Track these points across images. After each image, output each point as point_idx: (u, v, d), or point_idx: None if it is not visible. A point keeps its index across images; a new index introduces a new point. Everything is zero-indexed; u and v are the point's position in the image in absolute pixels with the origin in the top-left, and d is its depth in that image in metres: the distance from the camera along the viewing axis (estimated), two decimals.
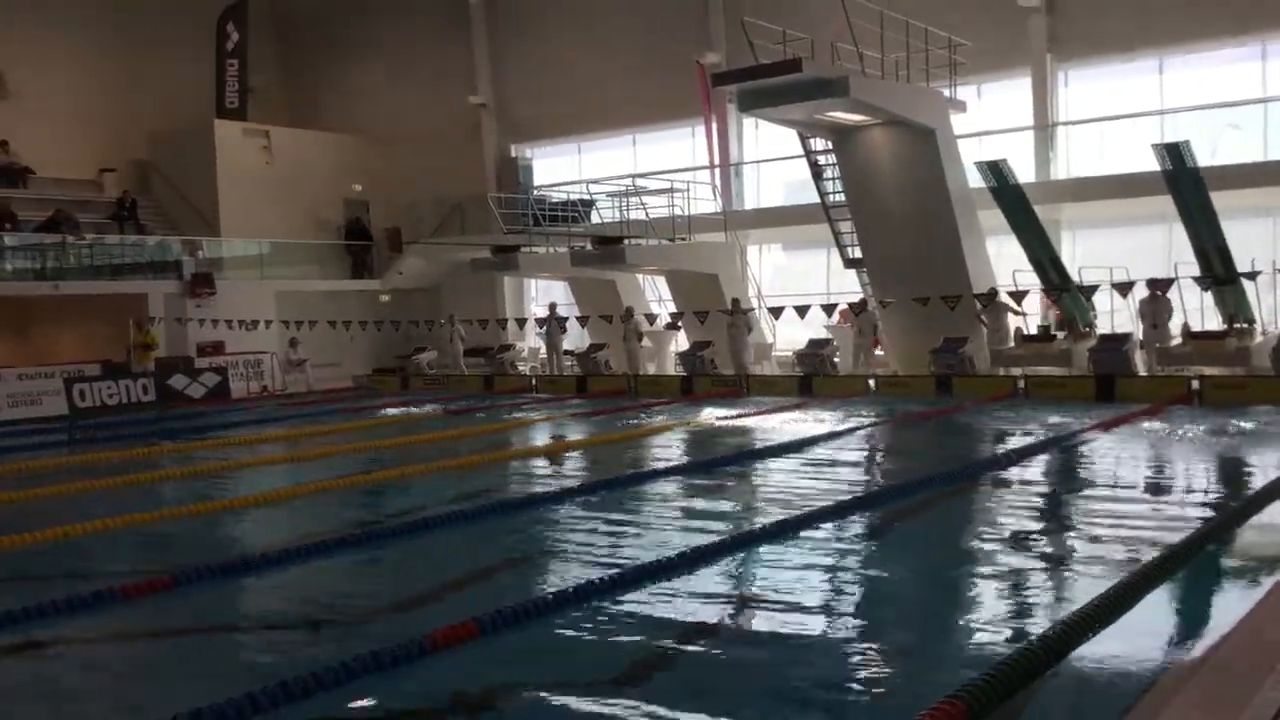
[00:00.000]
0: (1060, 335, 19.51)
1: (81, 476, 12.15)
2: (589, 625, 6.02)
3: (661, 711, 4.73)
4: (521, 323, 26.96)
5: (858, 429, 14.65)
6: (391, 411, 19.61)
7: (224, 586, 7.30)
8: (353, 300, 27.47)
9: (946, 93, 19.95)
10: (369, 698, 5.03)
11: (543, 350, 25.40)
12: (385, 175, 30.17)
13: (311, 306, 25.57)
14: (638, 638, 5.77)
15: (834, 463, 11.90)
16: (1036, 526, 8.43)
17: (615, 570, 6.91)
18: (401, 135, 29.94)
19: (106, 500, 10.52)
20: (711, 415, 16.94)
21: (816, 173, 21.93)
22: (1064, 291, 18.89)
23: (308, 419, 18.79)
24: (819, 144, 21.50)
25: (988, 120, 21.97)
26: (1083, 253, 21.20)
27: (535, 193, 27.63)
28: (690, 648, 5.61)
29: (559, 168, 29.39)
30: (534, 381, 23.86)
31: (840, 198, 21.33)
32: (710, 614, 6.20)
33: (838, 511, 8.75)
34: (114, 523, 9.17)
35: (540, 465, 12.89)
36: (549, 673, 5.32)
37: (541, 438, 15.73)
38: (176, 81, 29.15)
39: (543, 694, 5.03)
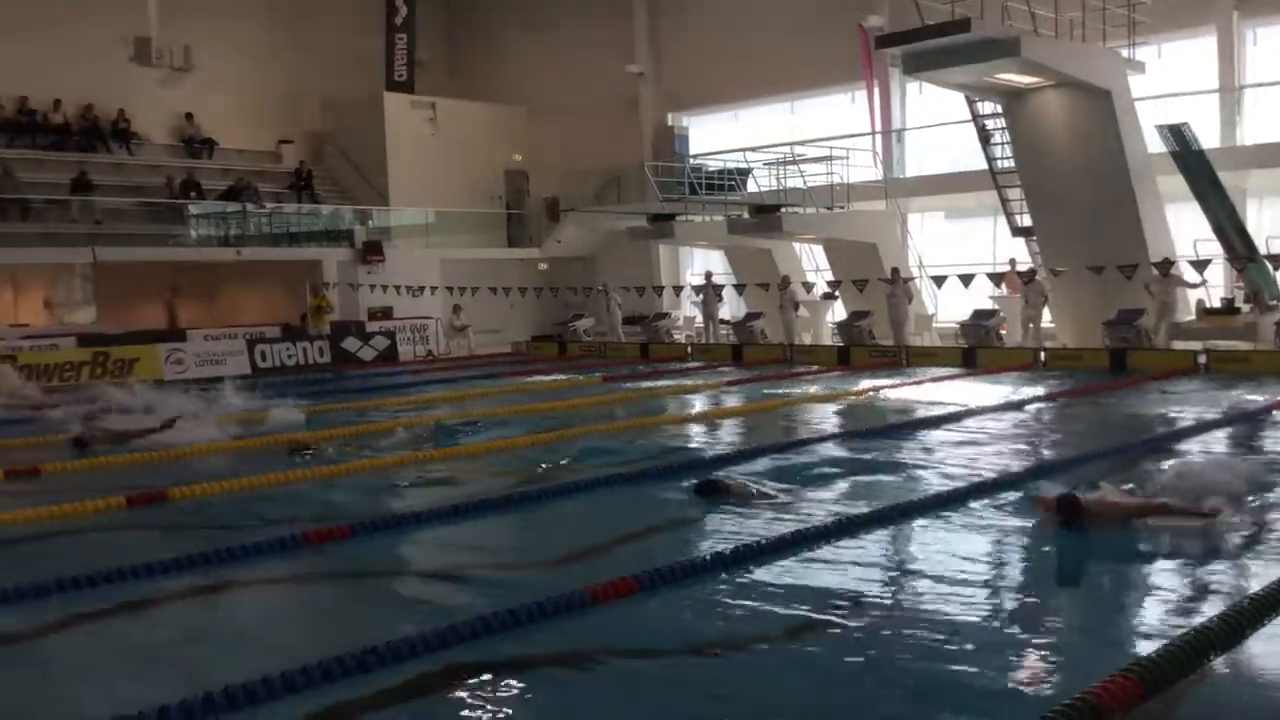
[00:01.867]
0: (1245, 308, 18.45)
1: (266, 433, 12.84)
2: (743, 590, 6.06)
3: (812, 680, 4.75)
4: (678, 291, 27.05)
5: (1024, 402, 14.21)
6: (549, 377, 19.99)
7: (395, 537, 7.63)
8: (513, 268, 28.08)
9: (1124, 53, 19.02)
10: (524, 647, 5.20)
11: (698, 319, 25.44)
12: (544, 145, 30.66)
13: (474, 274, 26.26)
14: (790, 604, 5.78)
15: (997, 436, 11.59)
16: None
17: (767, 537, 6.94)
18: (560, 106, 30.34)
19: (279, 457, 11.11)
20: (869, 385, 16.70)
21: (984, 137, 21.26)
22: (1250, 262, 17.85)
23: (470, 382, 19.34)
24: (987, 107, 20.83)
25: (1168, 82, 20.84)
26: (1270, 222, 19.98)
27: (692, 161, 27.63)
28: (840, 616, 5.57)
29: (716, 136, 29.29)
30: (689, 349, 23.95)
31: (1009, 163, 20.63)
32: (864, 583, 6.15)
33: (1001, 485, 8.54)
34: (297, 475, 9.71)
35: (695, 431, 12.96)
36: (701, 633, 5.39)
37: (697, 405, 15.80)
38: (350, 55, 30.22)
39: (691, 655, 5.09)
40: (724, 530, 7.45)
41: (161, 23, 24.65)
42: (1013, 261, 21.42)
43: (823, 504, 8.20)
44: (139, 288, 24.76)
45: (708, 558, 6.49)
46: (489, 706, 4.55)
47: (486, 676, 4.84)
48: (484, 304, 25.93)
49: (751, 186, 26.14)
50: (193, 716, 4.32)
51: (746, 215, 23.50)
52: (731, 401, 15.93)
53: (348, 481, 9.78)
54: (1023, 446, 10.96)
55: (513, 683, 4.84)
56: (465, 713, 4.49)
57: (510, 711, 4.53)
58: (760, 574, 6.32)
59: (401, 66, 30.63)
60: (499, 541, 7.75)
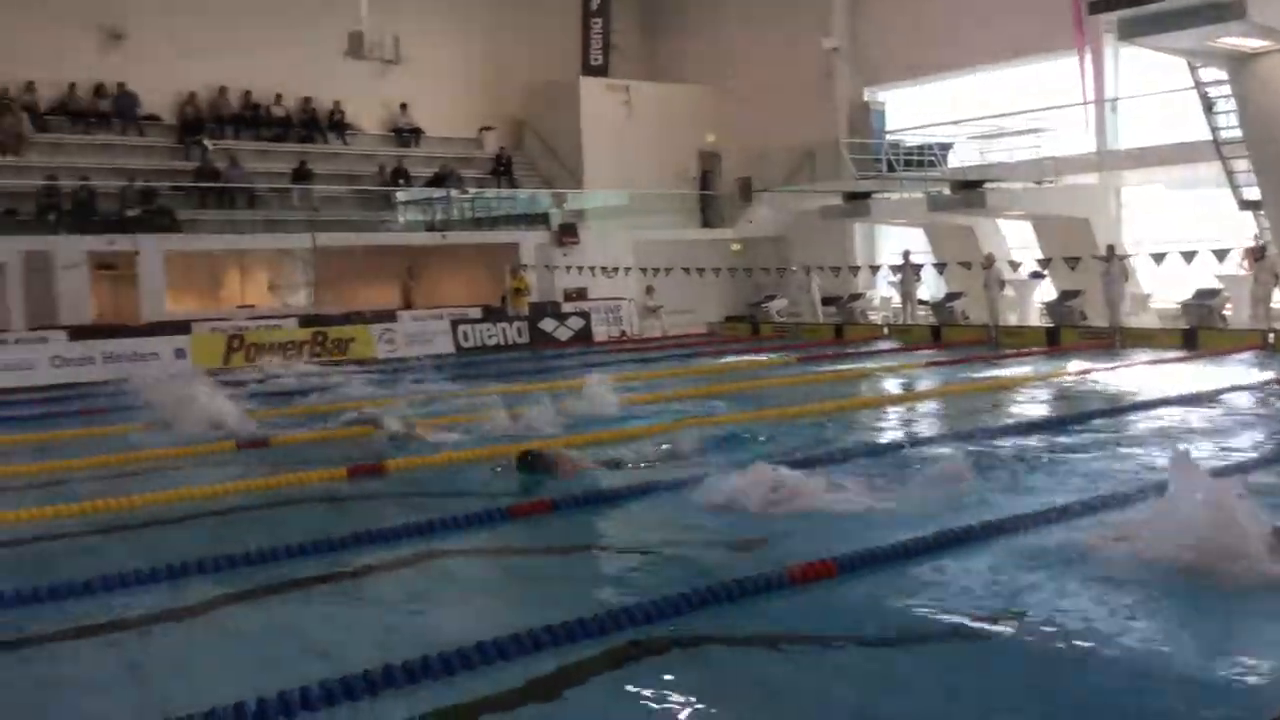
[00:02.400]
0: None
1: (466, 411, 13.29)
2: (937, 577, 5.91)
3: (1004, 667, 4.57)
4: (873, 270, 26.50)
5: (1253, 386, 13.25)
6: (742, 357, 19.94)
7: (597, 513, 7.75)
8: (705, 249, 28.12)
9: None
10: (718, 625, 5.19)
11: (896, 298, 24.86)
12: (737, 124, 30.50)
13: (667, 254, 26.44)
14: (983, 596, 5.58)
15: (1222, 423, 10.84)
16: None
17: (964, 525, 6.69)
18: (754, 84, 30.11)
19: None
20: (1082, 367, 15.92)
21: (1207, 106, 19.86)
22: None
23: (664, 362, 19.50)
24: (1210, 74, 19.44)
25: None
26: None
27: (889, 136, 26.95)
28: (1039, 611, 5.32)
29: (913, 110, 28.44)
30: (886, 330, 23.43)
31: (1235, 133, 19.23)
32: (1059, 575, 5.84)
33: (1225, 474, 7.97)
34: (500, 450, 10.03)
35: (893, 414, 12.67)
36: (897, 619, 5.29)
37: (893, 387, 15.44)
38: (547, 42, 30.84)
39: (882, 645, 5.00)
40: (919, 517, 7.23)
41: (373, 18, 25.77)
42: (1255, 237, 19.93)
43: (1035, 493, 7.85)
44: (353, 270, 26.09)
45: (902, 545, 6.34)
46: (679, 684, 4.58)
47: (676, 653, 4.89)
48: (677, 284, 26.09)
49: (952, 161, 25.29)
50: (417, 677, 4.56)
51: (948, 191, 22.75)
52: (930, 383, 15.49)
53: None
54: (1258, 437, 10.20)
55: (704, 661, 4.86)
56: (656, 689, 4.53)
57: (701, 691, 4.54)
58: (954, 562, 6.13)
59: (597, 51, 31.08)
60: (693, 520, 7.72)
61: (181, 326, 21.06)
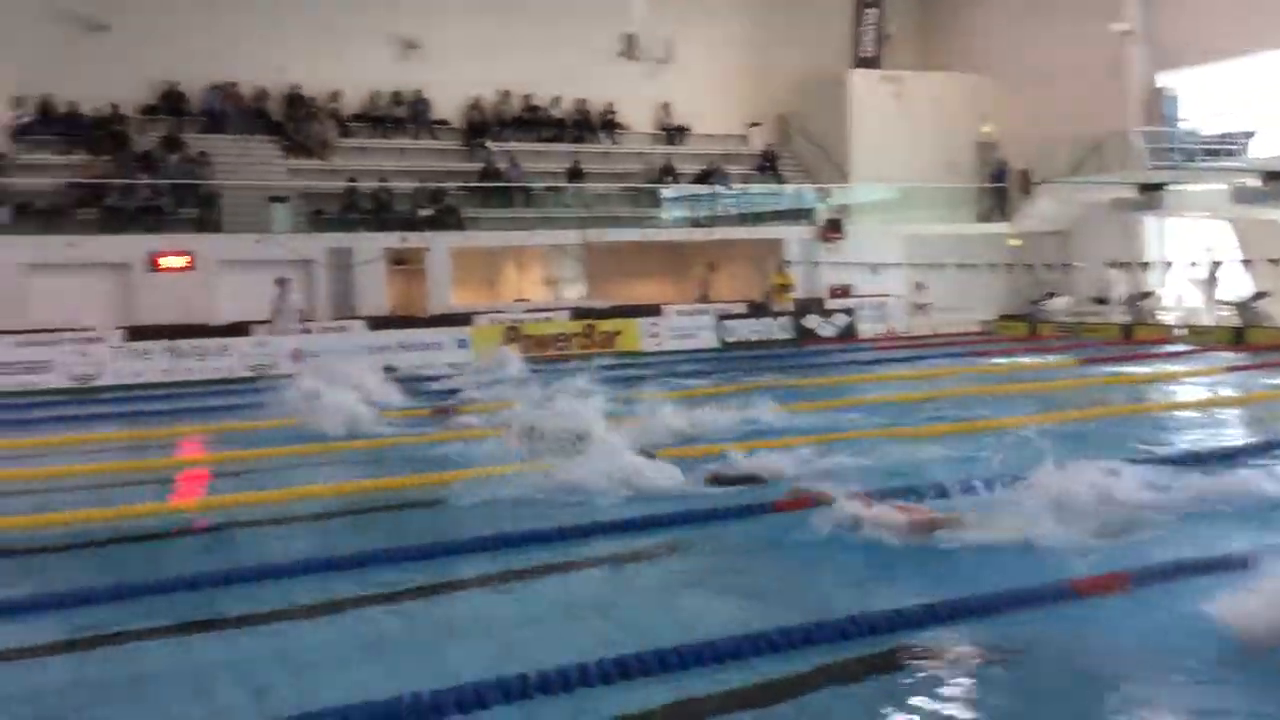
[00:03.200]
0: None
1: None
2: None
3: None
4: (1167, 267, 24.64)
5: None
6: (1018, 358, 19.04)
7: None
8: (980, 244, 27.04)
9: None
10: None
11: (1191, 297, 23.03)
12: (1016, 115, 29.14)
13: (937, 250, 25.63)
14: None
15: None
16: None
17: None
18: (1034, 72, 28.64)
19: None
20: None
21: None
22: None
23: (934, 360, 18.90)
24: None
25: None
26: None
27: (1184, 124, 24.97)
28: None
29: (1209, 95, 26.20)
30: (1181, 330, 21.76)
31: None
32: None
33: None
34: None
35: (1183, 420, 11.73)
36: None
37: (1186, 393, 14.31)
38: (816, 35, 30.55)
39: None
40: (1217, 529, 6.63)
41: (647, 20, 26.34)
42: None
43: None
44: (622, 266, 26.80)
45: (1201, 561, 5.84)
46: (936, 691, 4.45)
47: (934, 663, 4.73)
48: (949, 281, 25.24)
49: (1257, 150, 23.16)
50: (650, 670, 4.65)
51: (1257, 183, 20.84)
52: (1231, 390, 14.25)
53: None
54: None
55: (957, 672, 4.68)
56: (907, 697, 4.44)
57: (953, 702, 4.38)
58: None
59: (869, 42, 30.50)
60: None
61: (464, 318, 22.30)
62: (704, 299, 25.39)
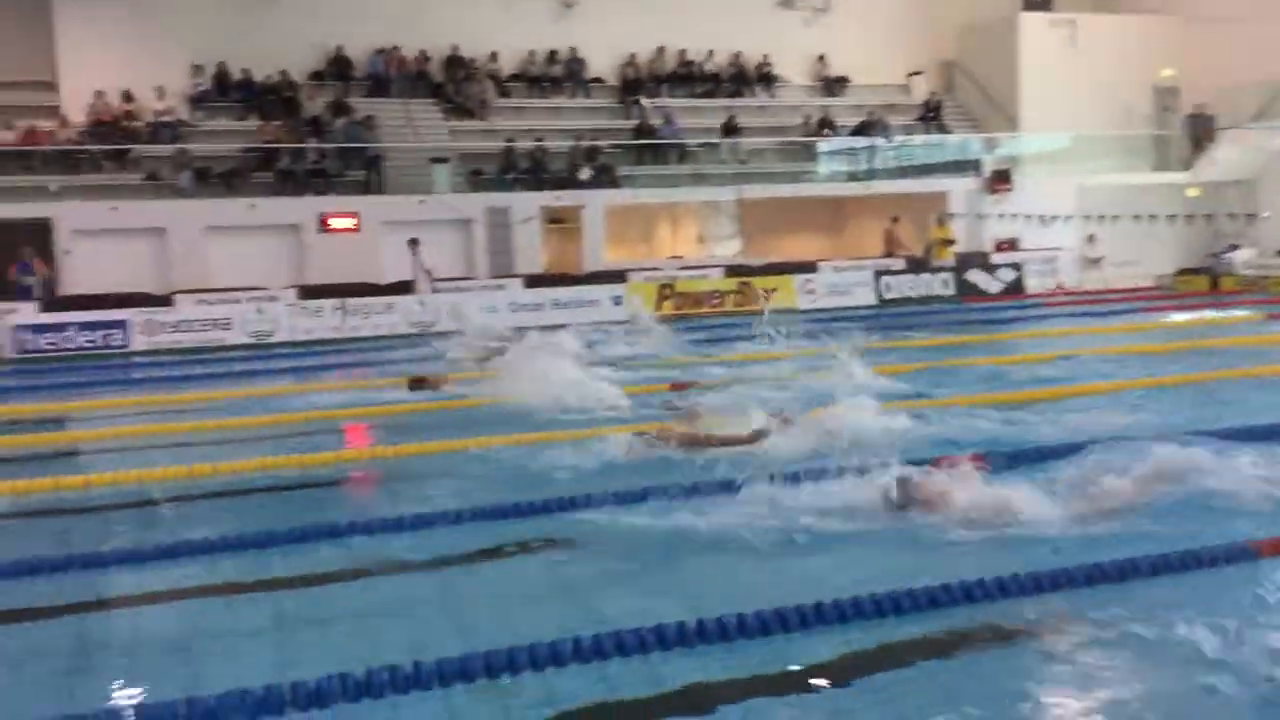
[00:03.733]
0: None
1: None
2: None
3: None
4: None
5: None
6: (1201, 313, 17.99)
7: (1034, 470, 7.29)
8: (1157, 195, 25.58)
9: None
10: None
11: None
12: (1197, 57, 27.33)
13: (1111, 201, 24.38)
14: None
15: None
16: None
17: None
18: (1220, 12, 26.78)
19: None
20: None
21: None
22: None
23: (1109, 317, 18.05)
24: None
25: None
26: None
27: None
28: None
29: None
30: None
31: None
32: None
33: None
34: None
35: None
36: None
37: None
38: None
39: None
40: None
41: None
42: None
43: None
44: (777, 222, 26.47)
45: None
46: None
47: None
48: (1122, 233, 24.00)
49: None
50: (788, 626, 4.58)
51: None
52: None
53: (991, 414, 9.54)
54: None
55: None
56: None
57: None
58: None
59: None
60: None
61: (618, 276, 22.41)
62: (890, 252, 24.55)
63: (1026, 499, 6.20)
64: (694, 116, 27.16)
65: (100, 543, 6.67)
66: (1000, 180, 25.73)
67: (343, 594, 5.68)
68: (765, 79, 28.75)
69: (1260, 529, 5.74)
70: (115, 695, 4.44)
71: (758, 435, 7.90)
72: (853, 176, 26.69)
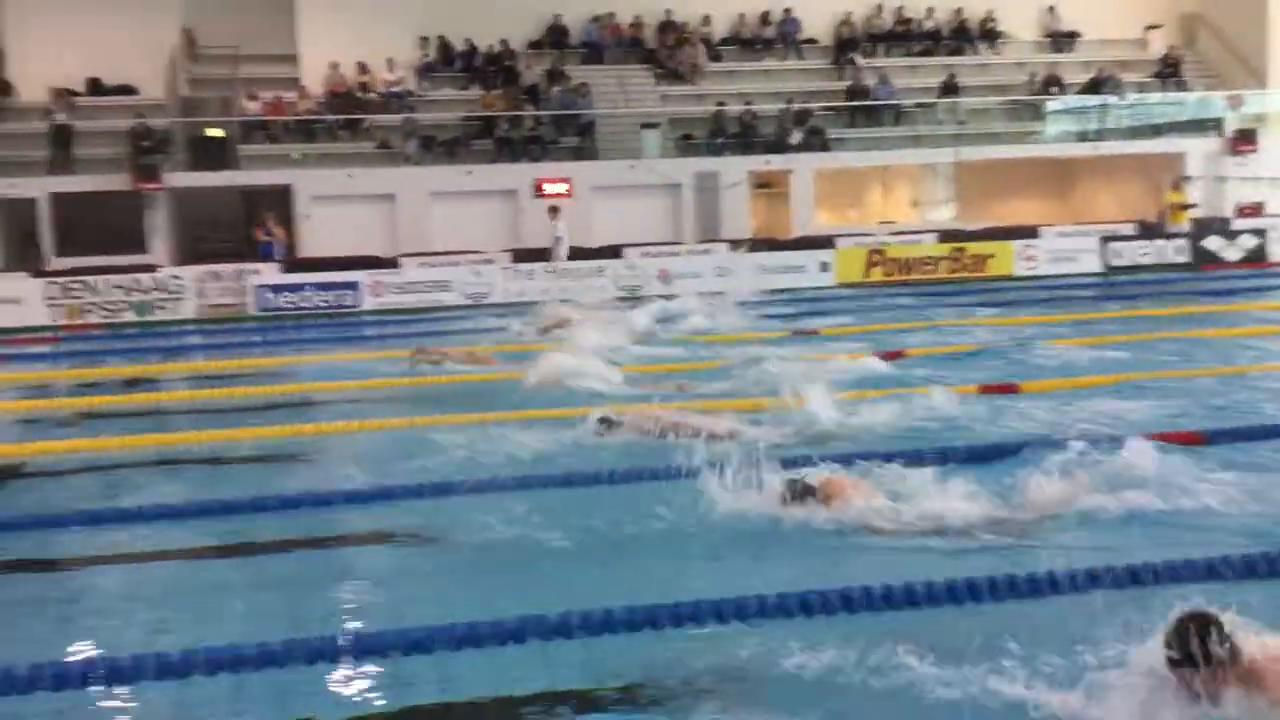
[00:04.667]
0: None
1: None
2: None
3: None
4: None
5: None
6: None
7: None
8: None
9: None
10: None
11: None
12: None
13: None
14: None
15: None
16: None
17: None
18: None
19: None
20: None
21: None
22: None
23: None
24: None
25: None
26: None
27: None
28: None
29: None
30: None
31: None
32: None
33: None
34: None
35: None
36: None
37: None
38: None
39: None
40: None
41: None
42: None
43: None
44: (997, 185, 25.43)
45: None
46: None
47: None
48: None
49: None
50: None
51: None
52: None
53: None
54: None
55: None
56: None
57: None
58: None
59: None
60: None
61: (826, 241, 22.10)
62: (1160, 220, 22.88)
63: (942, 503, 5.73)
64: (911, 76, 26.40)
65: (328, 483, 7.22)
66: (1244, 140, 23.86)
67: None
68: (988, 35, 27.59)
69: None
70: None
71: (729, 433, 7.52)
72: (1082, 137, 25.34)
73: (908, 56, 27.06)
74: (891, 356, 11.07)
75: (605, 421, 7.83)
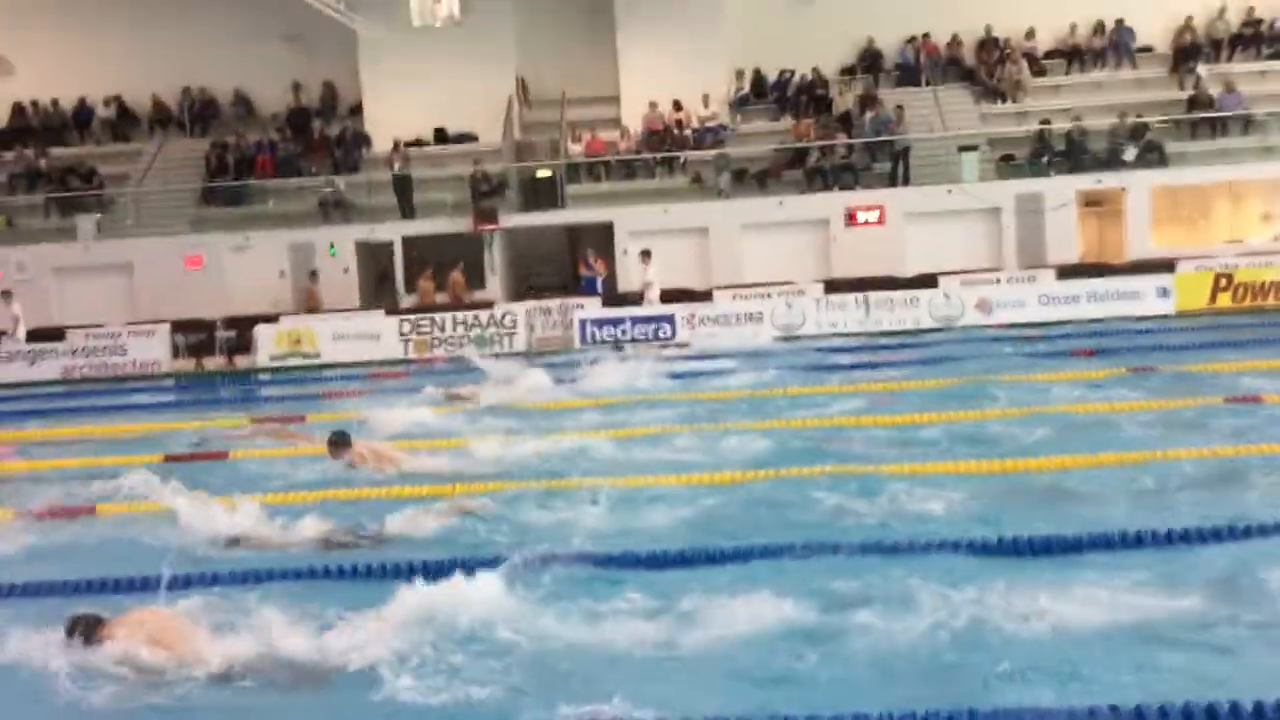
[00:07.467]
0: None
1: None
2: None
3: None
4: None
5: None
6: None
7: None
8: None
9: None
10: None
11: None
12: None
13: None
14: None
15: None
16: None
17: None
18: None
19: None
20: None
21: None
22: None
23: None
24: None
25: None
26: None
27: None
28: None
29: None
30: None
31: None
32: None
33: None
34: None
35: None
36: None
37: None
38: None
39: None
40: None
41: None
42: None
43: None
44: None
45: None
46: None
47: None
48: None
49: None
50: None
51: None
52: None
53: None
54: None
55: None
56: None
57: None
58: None
59: None
60: None
61: (1165, 265, 20.51)
62: None
63: None
64: (1261, 83, 24.11)
65: None
66: None
67: None
68: None
69: None
70: None
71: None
72: None
73: (1257, 60, 24.71)
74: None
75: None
